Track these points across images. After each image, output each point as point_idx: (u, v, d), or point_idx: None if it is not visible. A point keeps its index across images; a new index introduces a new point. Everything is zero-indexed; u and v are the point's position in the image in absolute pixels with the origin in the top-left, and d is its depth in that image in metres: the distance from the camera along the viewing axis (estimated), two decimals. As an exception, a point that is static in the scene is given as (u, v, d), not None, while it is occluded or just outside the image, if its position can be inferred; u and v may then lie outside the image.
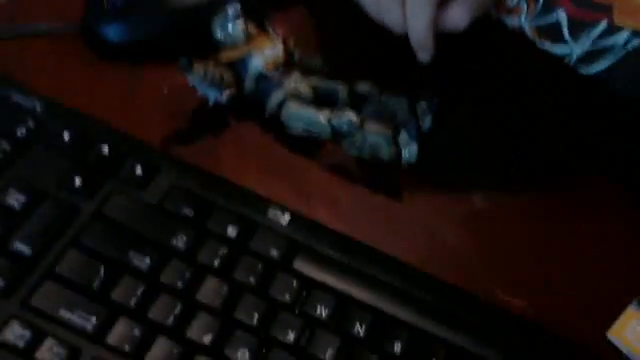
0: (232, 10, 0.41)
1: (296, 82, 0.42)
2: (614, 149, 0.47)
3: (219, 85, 0.40)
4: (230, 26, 0.41)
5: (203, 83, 0.39)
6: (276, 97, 0.41)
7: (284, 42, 0.42)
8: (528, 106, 0.49)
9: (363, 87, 0.42)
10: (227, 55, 0.41)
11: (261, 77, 0.42)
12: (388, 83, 0.43)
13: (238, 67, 0.41)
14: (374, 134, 0.40)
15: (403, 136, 0.40)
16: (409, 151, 0.40)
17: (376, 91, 0.42)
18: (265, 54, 0.41)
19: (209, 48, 0.45)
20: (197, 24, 0.45)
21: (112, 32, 0.43)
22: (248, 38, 0.41)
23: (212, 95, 0.40)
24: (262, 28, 0.42)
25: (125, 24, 0.43)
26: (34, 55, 0.43)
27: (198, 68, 0.39)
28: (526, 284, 0.40)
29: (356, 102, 0.42)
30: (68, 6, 0.44)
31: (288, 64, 0.42)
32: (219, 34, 0.42)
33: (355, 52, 0.49)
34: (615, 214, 0.44)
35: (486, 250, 0.41)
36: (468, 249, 0.42)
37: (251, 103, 0.42)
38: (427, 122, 0.40)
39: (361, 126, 0.40)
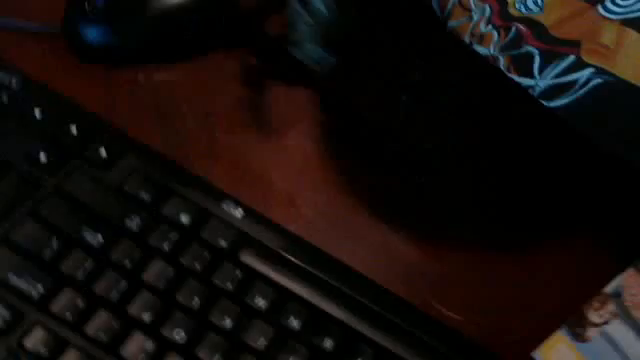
0: None
1: None
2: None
3: None
4: None
5: None
6: None
7: None
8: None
9: None
10: None
11: None
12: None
13: None
14: None
15: None
16: None
17: None
18: None
19: (190, 52, 0.47)
20: (179, 28, 0.46)
21: (92, 34, 0.44)
22: None
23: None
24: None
25: (106, 27, 0.44)
26: (11, 50, 0.44)
27: None
28: (466, 302, 0.42)
29: None
30: (51, 6, 0.45)
31: None
32: None
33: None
34: (560, 245, 0.46)
35: (435, 266, 0.43)
36: (417, 262, 0.43)
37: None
38: None
39: None
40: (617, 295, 0.43)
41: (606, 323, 0.41)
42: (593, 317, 0.42)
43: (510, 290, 0.43)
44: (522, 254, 0.45)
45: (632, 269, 0.43)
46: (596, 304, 0.42)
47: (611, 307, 0.42)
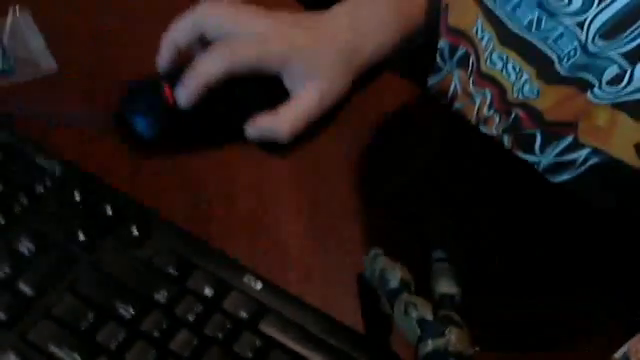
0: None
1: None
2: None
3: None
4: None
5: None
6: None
7: None
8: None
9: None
10: None
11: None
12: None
13: None
14: None
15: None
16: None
17: None
18: None
19: (224, 138, 0.51)
20: (218, 121, 0.52)
21: (143, 125, 0.49)
22: None
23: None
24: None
25: (155, 118, 0.50)
26: (69, 138, 0.49)
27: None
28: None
29: None
30: (104, 99, 0.51)
31: None
32: None
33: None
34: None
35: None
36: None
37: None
38: None
39: None
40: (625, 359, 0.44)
41: (614, 388, 0.43)
42: (601, 382, 0.44)
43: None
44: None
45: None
46: (604, 369, 0.44)
47: (619, 372, 0.44)
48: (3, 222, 0.42)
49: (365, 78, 0.57)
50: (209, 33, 0.51)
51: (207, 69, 0.49)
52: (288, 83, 0.52)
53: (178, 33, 0.51)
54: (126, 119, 0.50)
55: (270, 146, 0.52)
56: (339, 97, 0.54)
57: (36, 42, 0.53)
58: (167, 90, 0.49)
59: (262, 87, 0.52)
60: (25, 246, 0.42)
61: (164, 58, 0.51)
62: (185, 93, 0.49)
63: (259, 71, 0.50)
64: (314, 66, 0.52)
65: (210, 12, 0.52)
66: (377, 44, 0.57)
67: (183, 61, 0.51)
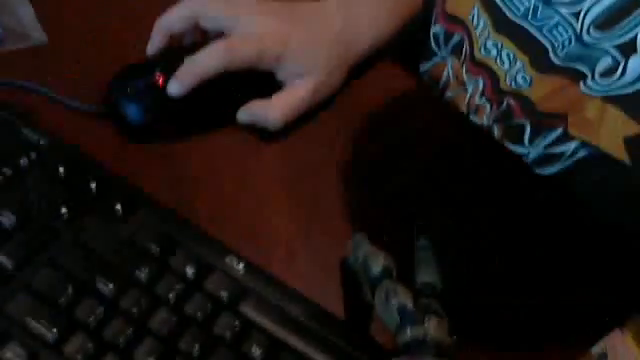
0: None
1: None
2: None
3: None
4: None
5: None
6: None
7: None
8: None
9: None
10: None
11: None
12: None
13: None
14: None
15: None
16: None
17: None
18: None
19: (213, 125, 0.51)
20: (209, 108, 0.51)
21: (132, 111, 0.49)
22: None
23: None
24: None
25: (145, 104, 0.49)
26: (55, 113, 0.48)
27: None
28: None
29: None
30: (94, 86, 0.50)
31: None
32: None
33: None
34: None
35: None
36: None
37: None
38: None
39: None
40: (603, 356, 0.45)
41: (591, 381, 0.43)
42: (578, 376, 0.44)
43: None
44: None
45: (617, 330, 0.45)
46: (582, 363, 0.44)
47: (596, 366, 0.44)
48: (-15, 194, 0.42)
49: (362, 67, 0.57)
50: (205, 24, 0.51)
51: (204, 66, 0.49)
52: (282, 77, 0.52)
53: (175, 20, 0.52)
54: (115, 103, 0.49)
55: (260, 133, 0.51)
56: (334, 89, 0.55)
57: (25, 13, 0.52)
58: (159, 77, 0.49)
59: (254, 77, 0.52)
60: (7, 218, 0.41)
61: (156, 43, 0.52)
62: (178, 85, 0.49)
63: (254, 67, 0.51)
64: (310, 63, 0.53)
65: (210, 4, 0.52)
66: (373, 33, 0.57)
67: (171, 44, 0.51)
